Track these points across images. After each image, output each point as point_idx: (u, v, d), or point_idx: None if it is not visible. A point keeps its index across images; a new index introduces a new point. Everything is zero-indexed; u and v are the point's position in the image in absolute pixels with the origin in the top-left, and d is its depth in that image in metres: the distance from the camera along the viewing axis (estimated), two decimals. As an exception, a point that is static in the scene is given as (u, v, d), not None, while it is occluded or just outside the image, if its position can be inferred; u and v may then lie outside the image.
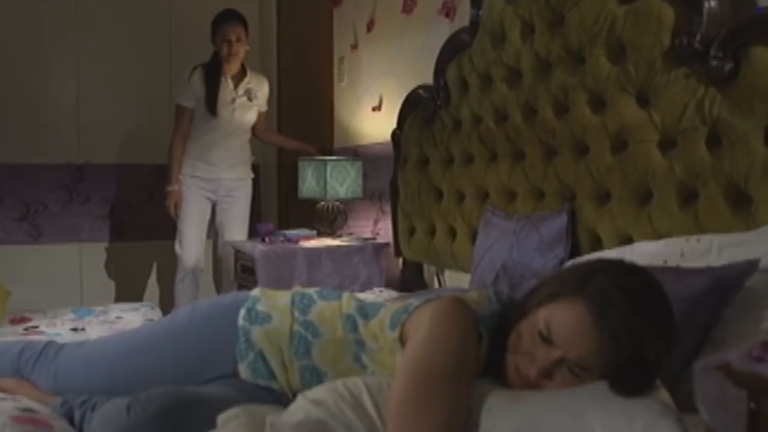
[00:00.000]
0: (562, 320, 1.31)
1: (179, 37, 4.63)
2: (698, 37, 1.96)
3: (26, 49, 4.34)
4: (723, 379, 1.20)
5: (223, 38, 3.94)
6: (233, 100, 4.03)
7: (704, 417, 1.26)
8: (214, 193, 4.12)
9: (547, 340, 1.32)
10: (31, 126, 4.38)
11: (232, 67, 4.04)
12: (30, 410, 1.62)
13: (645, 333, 1.26)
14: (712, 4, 1.94)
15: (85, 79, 4.45)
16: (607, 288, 1.29)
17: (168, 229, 4.13)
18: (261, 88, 4.19)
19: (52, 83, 4.41)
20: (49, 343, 1.88)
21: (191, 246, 4.10)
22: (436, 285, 3.40)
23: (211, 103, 3.95)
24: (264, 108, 4.25)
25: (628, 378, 1.24)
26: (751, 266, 1.60)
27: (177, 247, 4.12)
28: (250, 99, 4.09)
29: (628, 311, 1.27)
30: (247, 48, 4.05)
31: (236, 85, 4.04)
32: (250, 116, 4.13)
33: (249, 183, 4.24)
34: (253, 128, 4.21)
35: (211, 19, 3.98)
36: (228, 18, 3.98)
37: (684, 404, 1.31)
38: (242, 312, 1.67)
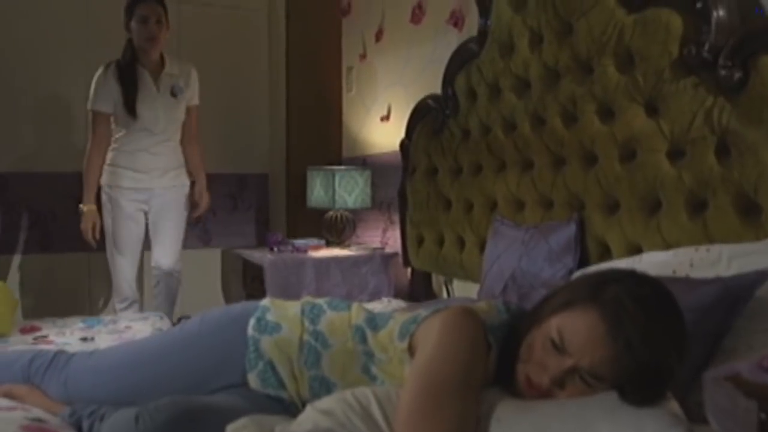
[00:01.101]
0: (575, 328, 1.31)
1: (187, 44, 4.65)
2: (707, 47, 1.96)
3: (37, 59, 4.36)
4: (733, 389, 1.20)
5: (140, 20, 3.47)
6: (154, 99, 3.54)
7: (714, 427, 1.26)
8: (146, 203, 3.65)
9: (559, 348, 1.31)
10: (41, 135, 4.40)
11: (151, 57, 3.55)
12: (39, 420, 1.62)
13: (659, 341, 1.26)
14: (721, 13, 1.94)
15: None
16: (620, 296, 1.30)
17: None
18: (187, 79, 3.69)
19: (61, 92, 4.42)
20: (60, 352, 1.89)
21: (126, 269, 3.65)
22: (445, 295, 3.40)
23: (130, 104, 3.47)
24: (194, 101, 3.75)
25: (641, 387, 1.24)
26: (761, 276, 1.59)
27: (113, 273, 3.68)
28: (174, 95, 3.60)
29: (642, 319, 1.27)
30: (166, 34, 3.58)
31: (156, 80, 3.57)
32: (178, 114, 3.66)
33: (184, 191, 3.76)
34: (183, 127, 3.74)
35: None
36: None
37: (694, 415, 1.31)
38: (252, 322, 1.67)
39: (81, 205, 3.57)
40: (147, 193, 3.62)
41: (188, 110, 3.71)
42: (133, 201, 3.61)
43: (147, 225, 3.71)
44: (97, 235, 3.60)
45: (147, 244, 3.77)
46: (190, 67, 3.74)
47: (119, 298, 3.69)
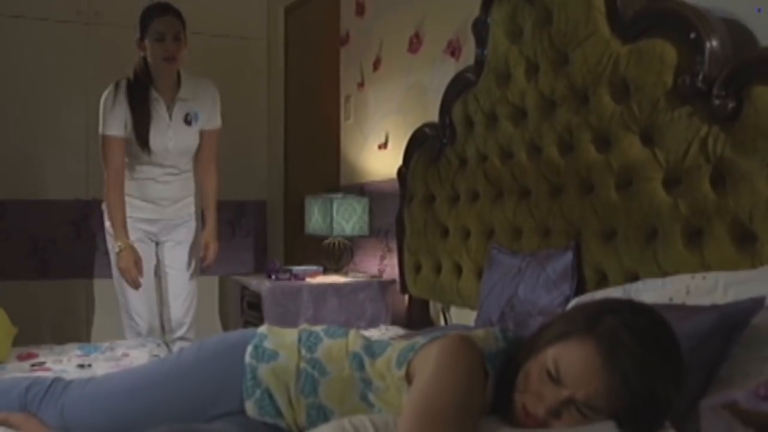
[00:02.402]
0: (570, 360, 1.31)
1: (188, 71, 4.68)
2: (701, 77, 1.98)
3: (37, 86, 4.38)
4: (730, 417, 1.20)
5: (156, 38, 3.11)
6: (166, 129, 3.23)
7: (711, 456, 1.26)
8: (155, 235, 3.39)
9: (555, 379, 1.31)
10: (40, 162, 4.42)
11: (167, 79, 3.21)
12: (37, 447, 1.62)
13: (655, 373, 1.26)
14: (714, 44, 1.97)
15: (94, 115, 4.48)
16: (616, 328, 1.29)
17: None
18: (204, 101, 3.32)
19: (61, 120, 4.45)
20: (57, 380, 1.89)
21: (136, 303, 3.31)
22: (442, 322, 3.40)
23: (143, 135, 3.16)
24: (212, 124, 3.37)
25: (638, 419, 1.24)
26: (757, 304, 1.60)
27: (127, 314, 3.34)
28: (188, 123, 3.26)
29: (638, 352, 1.26)
30: (185, 51, 3.21)
31: (170, 106, 3.23)
32: (191, 143, 3.33)
33: (192, 222, 3.46)
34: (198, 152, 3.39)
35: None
36: (162, 11, 3.15)
37: (691, 443, 1.31)
38: (249, 349, 1.67)
39: (116, 244, 3.18)
40: (155, 224, 3.37)
41: (205, 135, 3.35)
42: (141, 231, 3.33)
43: (158, 257, 3.45)
44: (142, 273, 3.22)
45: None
46: (208, 85, 3.38)
47: (132, 333, 3.34)
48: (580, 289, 2.35)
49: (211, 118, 3.35)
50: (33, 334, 4.10)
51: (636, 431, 1.23)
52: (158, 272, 3.47)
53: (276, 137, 5.02)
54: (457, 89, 3.06)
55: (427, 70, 3.48)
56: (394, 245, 3.59)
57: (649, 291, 1.93)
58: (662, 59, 2.11)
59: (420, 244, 3.29)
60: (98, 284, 4.57)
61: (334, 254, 3.87)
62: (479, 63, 2.93)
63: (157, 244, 3.43)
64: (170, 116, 3.23)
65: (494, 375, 1.41)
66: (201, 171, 3.41)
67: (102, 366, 2.50)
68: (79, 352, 2.73)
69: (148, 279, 3.34)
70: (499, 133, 2.81)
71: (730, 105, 1.91)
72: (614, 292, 2.04)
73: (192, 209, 3.45)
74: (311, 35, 4.76)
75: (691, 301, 1.79)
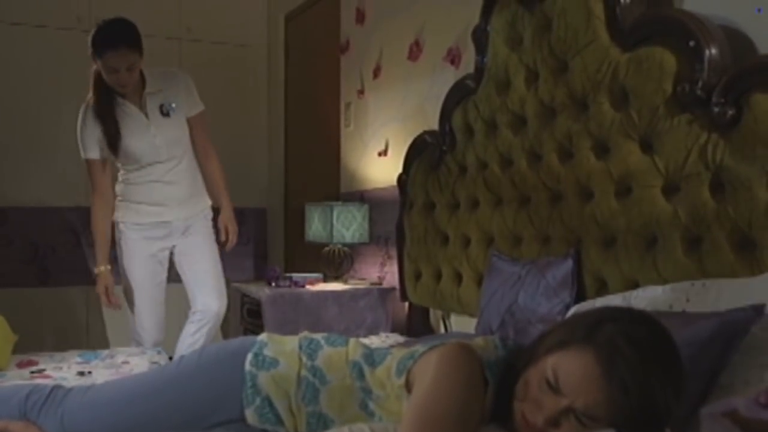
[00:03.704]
0: (570, 369, 1.30)
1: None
2: (700, 84, 1.98)
3: (37, 93, 4.39)
4: (730, 425, 1.20)
5: (108, 70, 2.96)
6: (147, 125, 3.12)
7: (711, 464, 1.26)
8: (167, 239, 3.27)
9: (554, 388, 1.31)
10: (41, 169, 4.43)
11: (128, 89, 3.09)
12: (36, 455, 1.62)
13: (654, 383, 1.25)
14: (713, 51, 1.97)
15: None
16: (615, 337, 1.29)
17: (174, 272, 4.12)
18: (175, 89, 3.19)
19: (61, 126, 4.45)
20: (57, 387, 1.88)
21: (143, 316, 3.24)
22: (442, 329, 3.40)
23: (113, 142, 3.06)
24: (194, 109, 3.27)
25: (637, 427, 1.24)
26: (757, 312, 1.60)
27: (133, 324, 3.28)
28: (166, 114, 3.15)
29: (637, 361, 1.26)
30: (139, 65, 3.04)
31: (141, 104, 3.12)
32: (179, 133, 3.22)
33: (208, 216, 3.36)
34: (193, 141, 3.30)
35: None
36: (115, 45, 2.93)
37: (691, 451, 1.31)
38: (249, 357, 1.67)
39: (95, 268, 3.18)
40: (166, 227, 3.23)
41: (191, 122, 3.24)
42: (150, 238, 3.22)
43: (172, 266, 3.34)
44: (113, 299, 3.17)
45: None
46: (175, 73, 3.28)
47: (135, 345, 3.26)
48: (580, 297, 2.35)
49: (190, 105, 3.24)
50: (33, 342, 4.10)
51: (636, 440, 1.23)
52: (181, 272, 3.35)
53: (276, 144, 5.03)
54: (456, 97, 3.07)
55: (427, 78, 3.49)
56: (394, 252, 3.60)
57: (649, 298, 1.93)
58: (662, 67, 2.11)
59: (420, 251, 3.30)
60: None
61: (334, 261, 3.87)
62: (479, 70, 2.94)
63: (171, 253, 3.31)
64: (146, 114, 3.12)
65: (494, 383, 1.41)
66: (201, 159, 3.33)
67: (102, 373, 2.50)
68: (79, 360, 2.73)
69: (157, 293, 3.26)
70: (499, 141, 2.81)
71: (730, 112, 1.91)
72: (614, 300, 2.04)
73: (202, 206, 3.33)
74: (311, 42, 4.77)
75: (691, 309, 1.79)
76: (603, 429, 1.27)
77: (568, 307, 2.29)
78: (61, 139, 4.45)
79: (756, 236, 1.86)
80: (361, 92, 4.15)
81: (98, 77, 3.04)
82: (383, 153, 3.90)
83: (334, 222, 3.78)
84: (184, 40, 4.72)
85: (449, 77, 3.23)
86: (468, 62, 3.12)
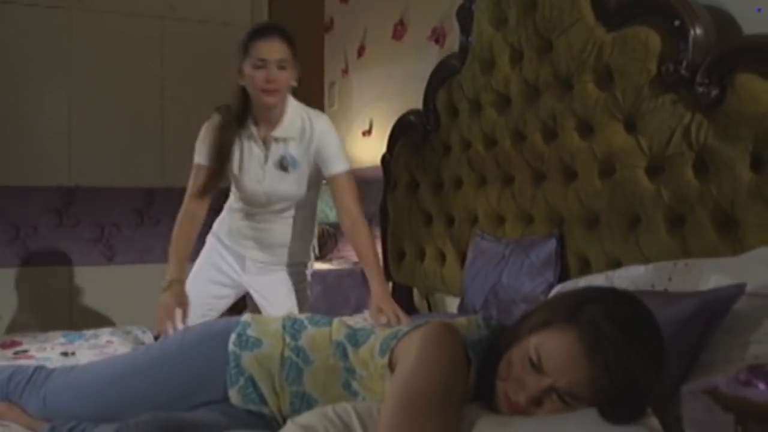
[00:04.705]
0: (552, 349, 1.31)
1: (171, 60, 4.65)
2: (684, 64, 1.99)
3: (18, 72, 4.34)
4: (711, 403, 1.21)
5: (256, 65, 2.52)
6: (261, 168, 2.66)
7: (692, 442, 1.27)
8: (239, 273, 2.83)
9: (537, 367, 1.31)
10: (22, 148, 4.37)
11: (269, 111, 2.61)
12: (19, 436, 1.61)
13: (637, 362, 1.26)
14: (698, 32, 1.97)
15: (76, 101, 4.45)
16: (598, 317, 1.29)
17: (158, 252, 4.11)
18: (308, 142, 2.64)
19: (43, 105, 4.40)
20: (39, 368, 1.88)
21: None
22: (426, 309, 3.40)
23: (220, 161, 2.65)
24: (334, 168, 2.63)
25: (619, 407, 1.24)
26: (738, 290, 1.61)
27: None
28: (284, 168, 2.64)
29: (620, 341, 1.26)
30: (294, 81, 2.63)
31: (267, 145, 2.65)
32: (291, 190, 2.68)
33: (286, 273, 2.84)
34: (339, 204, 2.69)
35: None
36: (266, 33, 2.57)
37: (672, 428, 1.32)
38: (233, 337, 1.67)
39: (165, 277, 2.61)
40: (241, 260, 2.83)
41: (331, 182, 2.67)
42: (224, 262, 2.85)
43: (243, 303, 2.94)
44: (175, 327, 2.37)
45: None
46: (318, 117, 2.72)
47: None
48: (563, 276, 2.36)
49: (328, 163, 2.63)
50: (16, 322, 4.08)
51: (617, 418, 1.23)
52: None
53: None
54: (441, 76, 3.06)
55: (412, 57, 3.48)
56: (377, 232, 3.59)
57: (632, 278, 1.94)
58: (646, 47, 2.11)
59: (404, 230, 3.30)
60: (81, 272, 4.54)
61: (318, 241, 3.86)
62: (464, 50, 2.93)
63: (247, 294, 2.92)
64: (266, 157, 2.66)
65: (477, 362, 1.41)
66: (346, 227, 2.68)
67: (86, 354, 2.48)
68: (62, 340, 2.71)
69: (200, 311, 2.73)
70: (483, 120, 2.80)
71: (714, 92, 1.91)
72: (597, 279, 2.05)
73: (281, 260, 2.83)
74: (295, 21, 4.72)
75: (673, 288, 1.80)
76: (585, 408, 1.27)
77: (551, 287, 2.30)
78: (42, 118, 4.41)
79: (738, 216, 1.87)
80: (346, 71, 4.13)
81: (240, 95, 2.65)
82: (367, 133, 3.89)
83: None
84: (167, 18, 4.65)
85: (434, 56, 3.22)
86: (453, 41, 3.11)
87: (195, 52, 4.53)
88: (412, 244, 3.25)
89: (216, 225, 2.91)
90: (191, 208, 2.68)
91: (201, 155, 2.69)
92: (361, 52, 3.96)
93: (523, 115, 2.60)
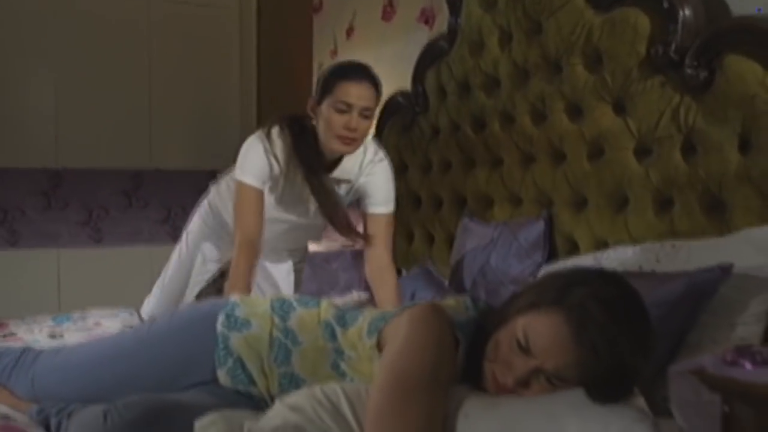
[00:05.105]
0: (540, 330, 1.31)
1: (157, 42, 4.62)
2: (673, 47, 1.98)
3: (3, 53, 4.30)
4: (697, 383, 1.22)
5: (340, 106, 2.25)
6: (305, 202, 2.47)
7: (678, 421, 1.28)
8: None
9: (524, 349, 1.32)
10: (8, 130, 4.35)
11: (331, 156, 2.38)
12: (6, 417, 1.61)
13: (623, 344, 1.26)
14: (687, 13, 1.97)
15: (62, 82, 4.42)
16: (585, 299, 1.29)
17: (146, 234, 4.10)
18: (365, 184, 2.45)
19: (29, 87, 4.37)
20: (27, 350, 1.87)
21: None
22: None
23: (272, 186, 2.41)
24: (382, 208, 2.44)
25: (606, 388, 1.25)
26: (725, 272, 1.62)
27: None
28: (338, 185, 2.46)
29: (607, 322, 1.27)
30: (372, 121, 2.37)
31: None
32: (321, 222, 2.55)
33: (290, 266, 2.79)
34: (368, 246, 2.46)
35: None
36: (358, 75, 2.28)
37: (659, 408, 1.33)
38: (221, 318, 1.66)
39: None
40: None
41: (371, 220, 2.46)
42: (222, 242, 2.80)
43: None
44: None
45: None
46: (379, 167, 2.46)
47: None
48: (551, 258, 2.37)
49: (377, 203, 2.45)
50: (3, 305, 4.06)
51: (604, 398, 1.24)
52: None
53: (249, 106, 4.98)
54: (430, 58, 3.05)
55: (401, 39, 3.46)
56: (367, 214, 3.59)
57: (619, 259, 1.95)
58: (635, 29, 2.11)
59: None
60: (68, 254, 4.53)
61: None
62: (452, 31, 2.91)
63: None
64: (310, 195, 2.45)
65: (465, 343, 1.42)
66: (372, 272, 2.46)
67: (74, 336, 2.48)
68: (51, 323, 2.70)
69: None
70: (472, 102, 2.80)
71: (702, 75, 1.92)
72: (585, 260, 2.06)
73: (287, 258, 2.77)
74: (283, 2, 4.71)
75: (661, 269, 1.81)
76: (572, 389, 1.28)
77: (540, 268, 2.31)
78: (29, 100, 4.38)
79: (726, 198, 1.88)
80: (334, 52, 4.11)
81: (310, 130, 2.39)
82: (356, 114, 3.88)
83: (307, 184, 3.75)
84: (153, 1, 4.63)
85: (422, 38, 3.21)
86: (441, 23, 3.10)
87: (181, 32, 4.51)
88: (400, 226, 3.24)
89: (212, 193, 2.85)
90: (255, 234, 2.35)
91: (257, 179, 2.36)
92: (349, 33, 3.94)
93: (512, 97, 2.59)
